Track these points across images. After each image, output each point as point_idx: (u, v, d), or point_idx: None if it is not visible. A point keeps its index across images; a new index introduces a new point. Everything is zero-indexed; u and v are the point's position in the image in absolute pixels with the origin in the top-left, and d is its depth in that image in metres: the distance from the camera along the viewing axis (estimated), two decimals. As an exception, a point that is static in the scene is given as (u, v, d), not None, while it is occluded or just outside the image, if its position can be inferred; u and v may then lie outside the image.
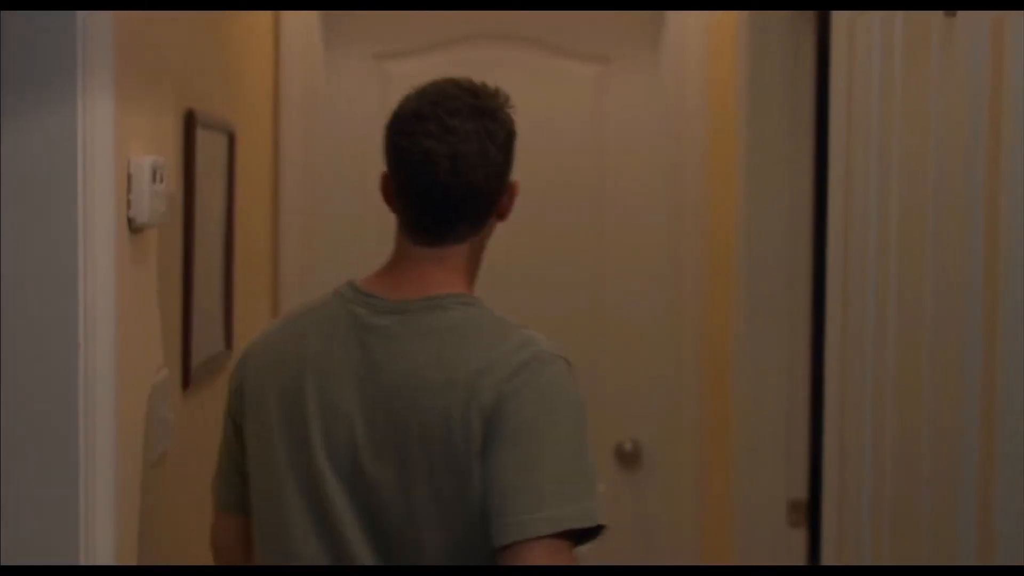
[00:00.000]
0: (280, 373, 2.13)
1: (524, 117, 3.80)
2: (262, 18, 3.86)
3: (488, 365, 2.00)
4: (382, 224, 4.17)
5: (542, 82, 4.17)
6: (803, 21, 3.52)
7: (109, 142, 1.96)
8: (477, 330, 2.07)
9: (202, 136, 2.91)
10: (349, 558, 2.04)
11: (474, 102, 2.18)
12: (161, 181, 2.19)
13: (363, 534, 2.04)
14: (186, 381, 2.82)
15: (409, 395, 2.02)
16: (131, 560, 2.12)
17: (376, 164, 4.24)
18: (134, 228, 2.12)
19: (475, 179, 2.12)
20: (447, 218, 2.14)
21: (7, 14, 1.88)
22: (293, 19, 4.06)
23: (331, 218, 4.17)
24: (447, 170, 2.10)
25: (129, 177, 2.08)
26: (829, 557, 2.70)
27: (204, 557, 3.06)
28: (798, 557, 3.60)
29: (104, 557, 1.98)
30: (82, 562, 1.94)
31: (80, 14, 1.91)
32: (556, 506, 1.94)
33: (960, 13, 1.99)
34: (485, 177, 2.13)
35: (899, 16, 2.30)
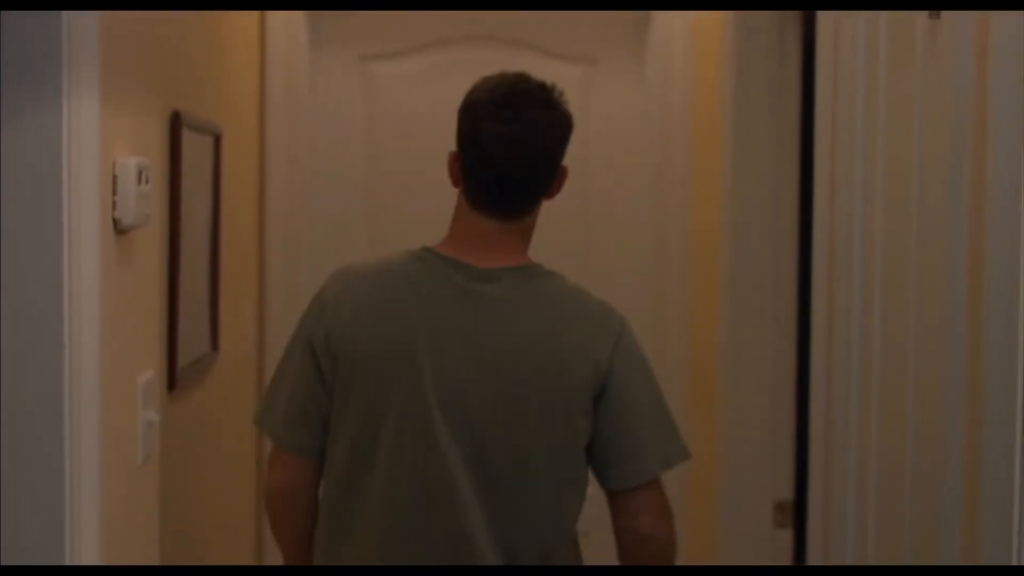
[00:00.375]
0: (381, 328, 2.36)
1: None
2: (248, 19, 3.86)
3: (594, 331, 2.38)
4: (367, 224, 4.20)
5: (528, 83, 4.17)
6: (789, 22, 3.52)
7: (94, 143, 1.96)
8: (571, 297, 2.43)
9: (188, 137, 2.90)
10: (450, 488, 2.29)
11: (541, 95, 2.43)
12: (147, 182, 2.18)
13: (466, 470, 2.30)
14: (172, 383, 2.82)
15: (524, 355, 2.33)
16: (117, 563, 2.11)
17: (362, 163, 4.25)
18: (119, 229, 2.11)
19: (540, 162, 2.40)
20: (518, 195, 2.41)
21: (-8, 15, 1.88)
22: (279, 20, 4.06)
23: (317, 218, 4.17)
24: (520, 153, 2.37)
25: (114, 178, 2.08)
26: (815, 557, 2.70)
27: (191, 558, 3.06)
28: (784, 557, 3.61)
29: (89, 559, 1.98)
30: (67, 564, 1.93)
31: (66, 14, 1.90)
32: (661, 453, 2.40)
33: (944, 15, 2.00)
34: (548, 161, 2.41)
35: (883, 17, 2.30)
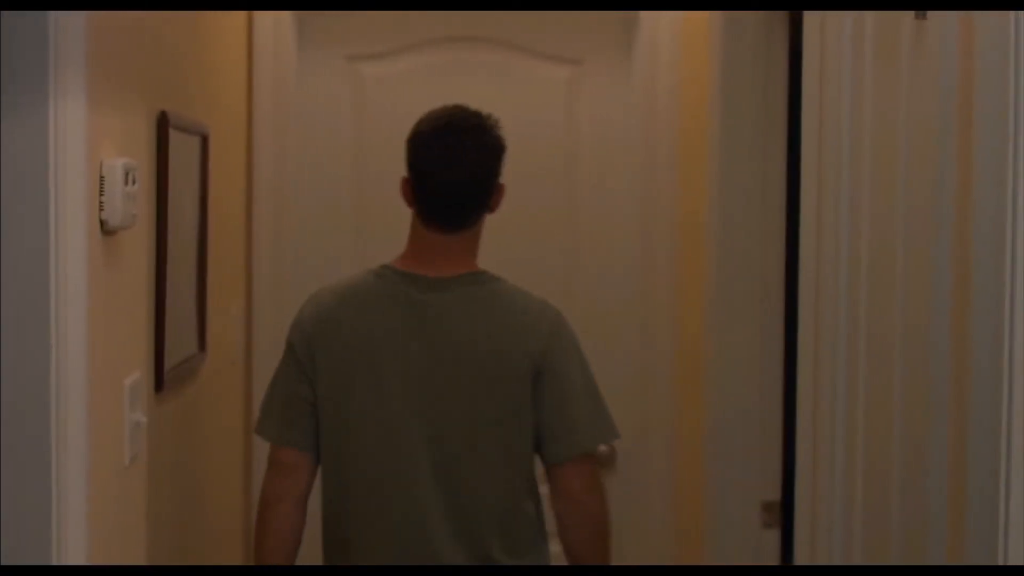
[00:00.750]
0: (348, 338, 2.80)
1: (498, 117, 3.81)
2: (235, 20, 3.85)
3: (530, 323, 2.79)
4: (355, 224, 4.20)
5: (515, 83, 4.17)
6: (776, 22, 3.53)
7: (81, 144, 1.96)
8: (510, 297, 2.83)
9: (175, 138, 2.90)
10: (411, 477, 2.73)
11: (477, 123, 2.85)
12: (134, 183, 2.18)
13: (428, 455, 2.74)
14: (159, 384, 2.81)
15: (472, 349, 2.75)
16: (104, 563, 2.11)
17: (350, 165, 4.26)
18: (106, 230, 2.11)
19: (476, 182, 2.83)
20: (460, 211, 2.84)
21: (-22, 16, 1.88)
22: (266, 21, 4.06)
23: (305, 220, 4.17)
24: (458, 175, 2.81)
25: (101, 179, 2.08)
26: (802, 557, 2.71)
27: (178, 559, 3.06)
28: (771, 557, 3.61)
29: (76, 559, 1.98)
30: (54, 565, 1.93)
31: (52, 14, 1.90)
32: (591, 430, 2.81)
33: (930, 16, 2.00)
34: (483, 180, 2.84)
35: (870, 16, 2.31)
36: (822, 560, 2.55)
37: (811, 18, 2.65)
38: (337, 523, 2.86)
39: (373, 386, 2.77)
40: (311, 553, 4.17)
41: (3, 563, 1.92)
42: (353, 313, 2.83)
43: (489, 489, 2.79)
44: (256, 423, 2.98)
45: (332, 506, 2.86)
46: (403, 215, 3.80)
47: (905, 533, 2.10)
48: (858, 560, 2.37)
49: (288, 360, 2.89)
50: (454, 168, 2.82)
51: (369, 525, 2.79)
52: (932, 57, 1.98)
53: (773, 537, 3.62)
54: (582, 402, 2.82)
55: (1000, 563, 1.68)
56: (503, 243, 3.74)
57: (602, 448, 4.17)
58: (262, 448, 4.10)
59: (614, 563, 3.87)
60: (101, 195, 2.08)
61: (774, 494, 3.61)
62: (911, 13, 2.08)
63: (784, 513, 3.57)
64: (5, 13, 1.89)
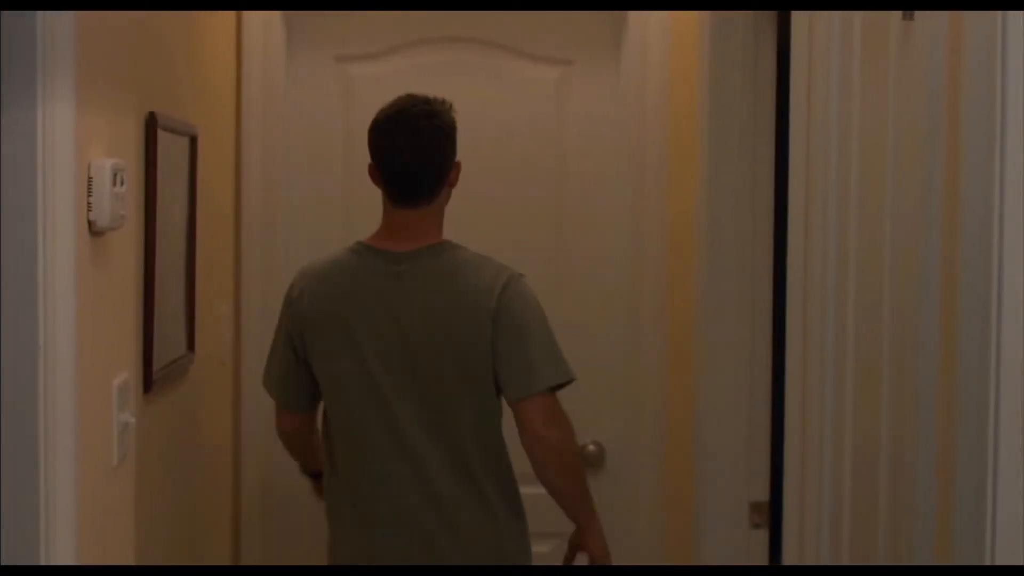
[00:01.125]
0: (335, 308, 3.17)
1: (486, 118, 3.81)
2: (224, 20, 3.85)
3: (486, 286, 3.11)
4: (344, 224, 4.20)
5: (504, 84, 4.17)
6: (764, 21, 3.54)
7: (69, 145, 1.96)
8: (470, 264, 3.16)
9: (164, 139, 2.90)
10: (398, 425, 3.11)
11: (426, 108, 3.16)
12: (122, 184, 2.18)
13: (409, 407, 3.11)
14: (147, 384, 2.81)
15: (439, 312, 3.10)
16: (92, 563, 2.11)
17: (338, 166, 4.26)
18: (95, 231, 2.11)
19: (432, 160, 3.17)
20: (418, 188, 3.17)
21: (-34, 16, 1.87)
22: (255, 22, 4.05)
23: (294, 220, 4.16)
24: (414, 156, 3.15)
25: (90, 180, 2.08)
26: (790, 557, 2.71)
27: (167, 559, 3.06)
28: (760, 557, 3.62)
29: (65, 560, 1.97)
30: (43, 565, 1.93)
31: (40, 14, 1.90)
32: (546, 371, 3.11)
33: (918, 16, 2.01)
34: (440, 155, 3.17)
35: (857, 16, 2.31)
36: (810, 560, 2.55)
37: (799, 18, 2.65)
38: (338, 466, 3.23)
39: (353, 349, 3.13)
40: (309, 554, 4.17)
41: (-9, 564, 1.92)
42: (334, 287, 3.19)
43: (465, 427, 3.14)
44: (263, 377, 3.37)
45: (333, 449, 3.23)
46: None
47: (892, 533, 2.11)
48: (846, 560, 2.37)
49: (280, 331, 3.28)
50: (407, 151, 3.14)
51: (364, 466, 3.17)
52: (920, 57, 1.99)
53: (762, 537, 3.62)
54: (536, 347, 3.12)
55: (987, 562, 1.69)
56: (493, 242, 3.75)
57: (590, 448, 4.19)
58: (251, 448, 4.11)
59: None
60: (89, 196, 2.08)
61: (762, 494, 3.61)
62: (899, 13, 2.08)
63: (772, 513, 3.57)
64: (-7, 13, 1.88)
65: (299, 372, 3.24)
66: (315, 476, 3.49)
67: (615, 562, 4.00)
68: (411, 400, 3.12)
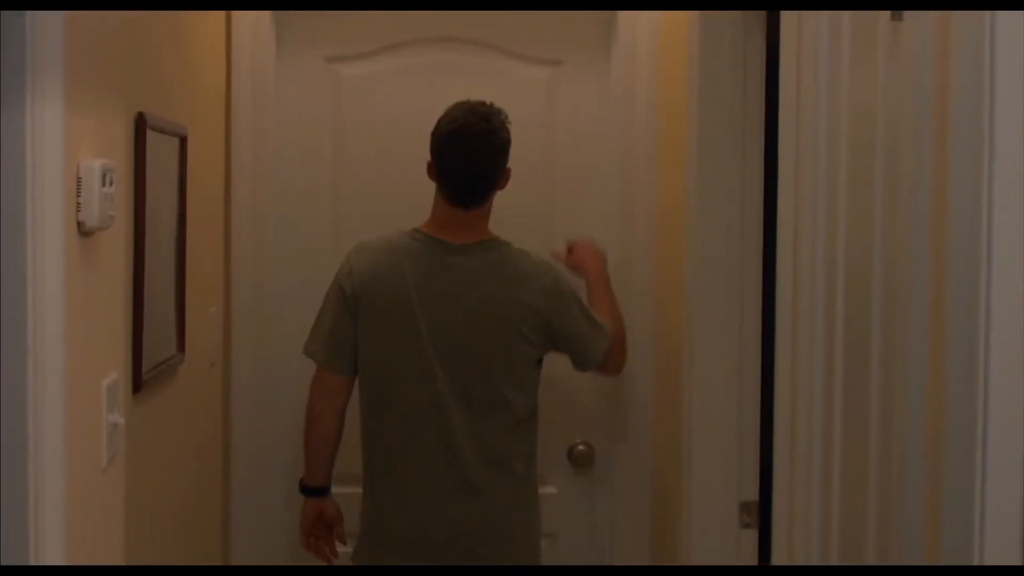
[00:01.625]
0: (390, 287, 3.51)
1: (476, 120, 3.79)
2: (214, 20, 3.85)
3: (532, 280, 3.55)
4: (334, 225, 4.20)
5: (494, 84, 4.17)
6: (753, 21, 3.54)
7: (58, 145, 1.96)
8: (519, 258, 3.59)
9: (153, 139, 2.90)
10: (440, 399, 3.47)
11: (486, 127, 3.52)
12: (111, 184, 2.18)
13: (453, 385, 3.48)
14: (137, 385, 2.81)
15: (492, 302, 3.50)
16: (81, 564, 2.11)
17: (329, 166, 4.25)
18: (84, 232, 2.11)
19: (489, 168, 3.55)
20: (474, 193, 3.56)
21: (-45, 17, 1.87)
22: (245, 22, 4.05)
23: (283, 221, 4.16)
24: (471, 167, 3.52)
25: (79, 181, 2.08)
26: (780, 557, 2.72)
27: (157, 559, 3.05)
28: (749, 557, 3.62)
29: (54, 560, 1.97)
30: (32, 565, 1.93)
31: (29, 15, 1.90)
32: (597, 345, 3.66)
33: (906, 17, 2.01)
34: (494, 167, 3.56)
35: (846, 16, 2.32)
36: (800, 560, 2.56)
37: (788, 18, 2.65)
38: (379, 437, 3.55)
39: (409, 327, 3.48)
40: (298, 553, 4.17)
41: (-20, 565, 1.91)
42: (393, 267, 3.52)
43: (502, 413, 3.52)
44: (304, 346, 3.63)
45: (372, 422, 3.56)
46: (382, 216, 3.80)
47: (881, 532, 2.11)
48: (835, 559, 2.38)
49: (338, 300, 3.56)
50: (467, 166, 3.51)
51: (409, 441, 3.50)
52: (908, 57, 1.99)
53: (751, 537, 3.62)
54: (586, 330, 3.62)
55: (976, 560, 1.69)
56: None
57: (580, 448, 4.20)
58: (241, 449, 4.11)
59: (592, 563, 3.87)
60: (78, 196, 2.08)
61: (752, 494, 3.62)
62: (887, 14, 2.08)
63: (762, 513, 3.58)
64: (-18, 14, 1.88)
65: (350, 335, 3.55)
66: (313, 493, 3.68)
67: (604, 561, 4.01)
68: (456, 379, 3.49)
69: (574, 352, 3.64)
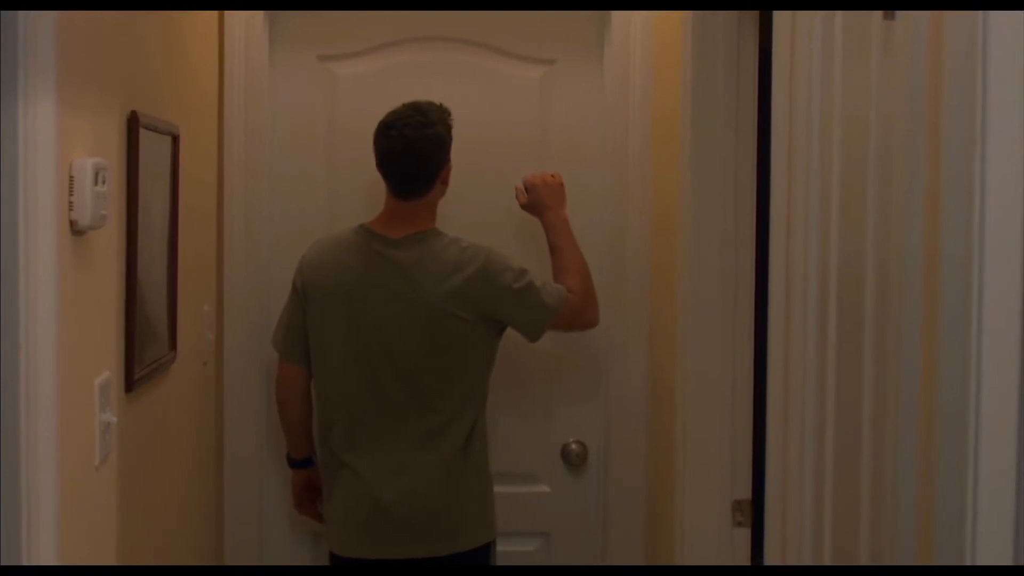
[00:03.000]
0: (336, 279, 3.70)
1: (469, 117, 3.82)
2: (207, 19, 3.85)
3: (465, 262, 3.64)
4: (327, 223, 4.20)
5: (488, 83, 4.18)
6: (747, 20, 3.54)
7: (51, 144, 1.96)
8: (448, 247, 3.67)
9: (145, 137, 2.89)
10: (381, 387, 3.64)
11: (420, 120, 3.67)
12: (103, 183, 2.18)
13: (393, 373, 3.63)
14: (129, 384, 2.81)
15: (424, 289, 3.61)
16: (74, 564, 2.11)
17: (321, 165, 4.25)
18: (76, 231, 2.11)
19: (419, 163, 3.69)
20: (411, 184, 3.71)
21: (-53, 15, 1.87)
22: (238, 20, 4.05)
23: (276, 219, 4.16)
24: (402, 159, 3.69)
25: (71, 180, 2.08)
26: (772, 556, 2.72)
27: (150, 559, 3.05)
28: (742, 556, 3.62)
29: (46, 560, 1.97)
30: (25, 565, 1.92)
31: (22, 14, 1.90)
32: (540, 317, 3.73)
33: (899, 16, 2.01)
34: (426, 160, 3.70)
35: (839, 15, 2.32)
36: (792, 558, 2.56)
37: (781, 17, 2.65)
38: (326, 423, 3.77)
39: (346, 319, 3.66)
40: (293, 550, 4.17)
41: (-27, 564, 1.91)
42: (335, 262, 3.71)
43: (445, 393, 3.65)
44: (272, 337, 3.89)
45: (320, 409, 3.80)
46: (374, 214, 3.80)
47: (874, 531, 2.11)
48: (828, 558, 2.38)
49: (291, 294, 3.80)
50: (398, 156, 3.68)
51: (347, 426, 3.69)
52: (901, 56, 1.99)
53: (744, 536, 3.63)
54: (521, 313, 3.70)
55: (968, 558, 1.69)
56: (477, 237, 3.76)
57: (573, 446, 4.20)
58: (234, 447, 4.11)
59: (584, 563, 3.86)
60: (71, 195, 2.08)
61: (745, 493, 3.62)
62: (880, 12, 2.09)
63: (755, 512, 3.58)
64: (-26, 13, 1.88)
65: (303, 328, 3.75)
66: (298, 465, 3.95)
67: (597, 559, 4.00)
68: (389, 368, 3.63)
69: (520, 327, 3.74)
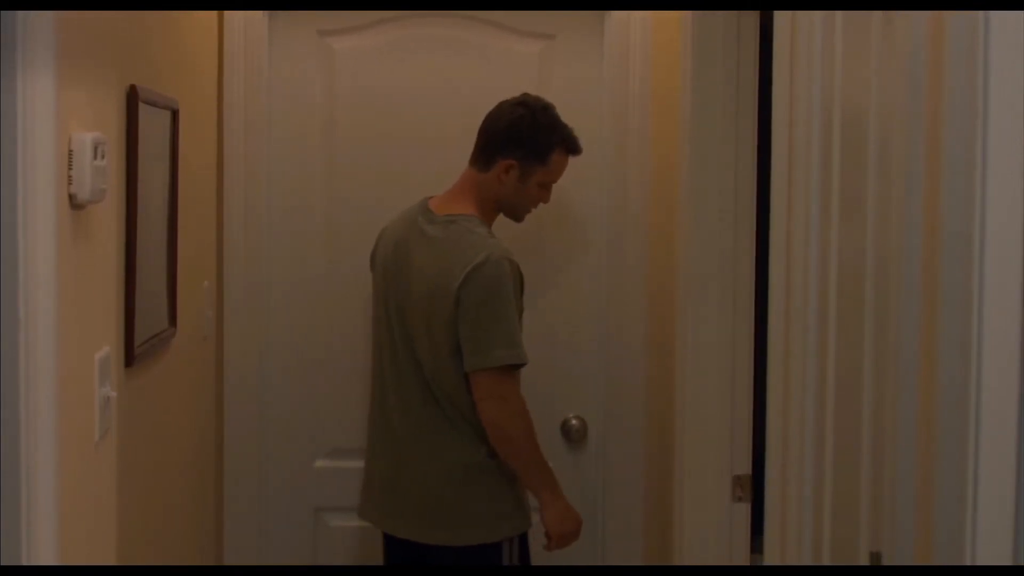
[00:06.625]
0: (383, 254, 3.70)
1: (468, 90, 3.80)
2: (205, -6, 3.83)
3: (463, 262, 3.46)
4: (326, 199, 4.18)
5: (486, 58, 4.16)
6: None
7: (50, 118, 1.95)
8: (460, 237, 3.53)
9: (145, 112, 2.89)
10: (396, 365, 3.59)
11: (518, 99, 3.68)
12: (103, 157, 2.17)
13: (409, 352, 3.56)
14: (129, 358, 2.81)
15: (435, 272, 3.51)
16: (75, 541, 2.11)
17: (321, 139, 4.22)
18: (75, 205, 2.10)
19: (491, 133, 3.65)
20: (475, 147, 3.67)
21: (-55, -12, 1.86)
22: (237, -5, 4.04)
23: (276, 194, 4.15)
24: (484, 124, 3.68)
25: (70, 154, 2.07)
26: (772, 531, 2.72)
27: (149, 535, 3.05)
28: (742, 531, 3.63)
29: (46, 535, 1.97)
30: (23, 542, 1.93)
31: (19, -14, 1.89)
32: (495, 352, 3.44)
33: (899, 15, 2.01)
34: (494, 135, 3.63)
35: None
36: (792, 533, 2.56)
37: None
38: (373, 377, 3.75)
39: (383, 292, 3.65)
40: (292, 527, 4.17)
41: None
42: (393, 235, 3.69)
43: (441, 381, 3.51)
44: None
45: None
46: (375, 188, 3.79)
47: (874, 507, 2.12)
48: (827, 534, 2.38)
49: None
50: (485, 122, 3.66)
51: (378, 390, 3.68)
52: (902, 46, 1.99)
53: (743, 511, 3.63)
54: (489, 326, 3.44)
55: (968, 537, 1.69)
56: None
57: (573, 422, 4.20)
58: (234, 422, 4.11)
59: (584, 538, 3.86)
60: (70, 169, 2.07)
61: (744, 467, 3.62)
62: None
63: (755, 487, 3.58)
64: (-28, -14, 1.87)
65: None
66: None
67: (597, 536, 4.00)
68: (405, 354, 3.56)
69: (467, 345, 3.47)
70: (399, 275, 3.59)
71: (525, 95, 3.68)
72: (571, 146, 3.68)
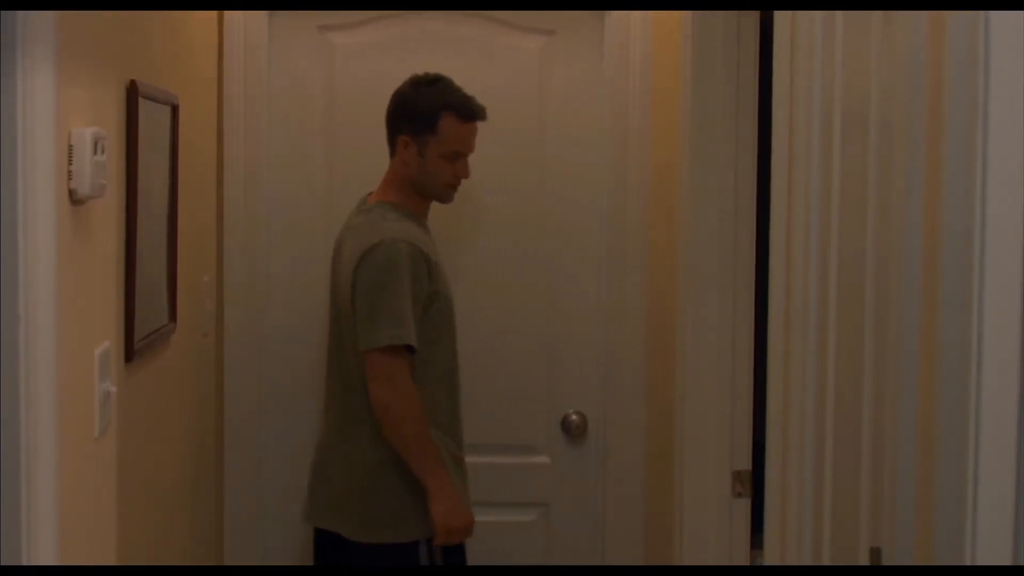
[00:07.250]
0: (335, 246, 3.70)
1: (468, 85, 3.80)
2: (206, -12, 3.83)
3: (359, 247, 3.47)
4: (327, 194, 4.18)
5: (486, 54, 4.16)
6: (748, -4, 3.53)
7: (50, 113, 1.95)
8: (364, 224, 3.55)
9: (145, 107, 2.89)
10: (329, 351, 3.68)
11: (408, 79, 3.67)
12: (103, 153, 2.17)
13: (335, 344, 3.63)
14: (129, 354, 2.81)
15: (343, 265, 3.54)
16: (75, 536, 2.11)
17: (321, 135, 4.21)
18: (75, 200, 2.10)
19: (388, 117, 3.66)
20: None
21: (-55, -16, 1.86)
22: (237, -11, 4.03)
23: (276, 189, 4.15)
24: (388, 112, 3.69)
25: (70, 149, 2.07)
26: (772, 526, 2.72)
27: (149, 530, 3.05)
28: (742, 526, 3.63)
29: (46, 531, 1.97)
30: (23, 537, 1.92)
31: (20, -19, 1.88)
32: (380, 332, 3.40)
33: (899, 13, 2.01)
34: (389, 117, 3.65)
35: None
36: (792, 529, 2.56)
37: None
38: None
39: (329, 290, 3.69)
40: (292, 523, 4.17)
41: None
42: (344, 225, 3.70)
43: (356, 368, 3.49)
44: None
45: None
46: (374, 183, 3.79)
47: (874, 503, 2.12)
48: (827, 530, 2.38)
49: None
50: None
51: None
52: (902, 35, 1.99)
53: (744, 506, 3.63)
54: (376, 308, 3.42)
55: (968, 536, 1.69)
56: (472, 228, 3.75)
57: (573, 417, 4.20)
58: (234, 418, 4.11)
59: (584, 533, 3.84)
60: (70, 164, 2.07)
61: (744, 463, 3.62)
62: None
63: (755, 482, 3.58)
64: (-28, -19, 1.87)
65: None
66: None
67: (597, 530, 4.00)
68: (336, 343, 3.62)
69: (358, 326, 3.45)
70: (334, 268, 3.64)
71: (415, 74, 3.65)
72: (462, 111, 3.58)
